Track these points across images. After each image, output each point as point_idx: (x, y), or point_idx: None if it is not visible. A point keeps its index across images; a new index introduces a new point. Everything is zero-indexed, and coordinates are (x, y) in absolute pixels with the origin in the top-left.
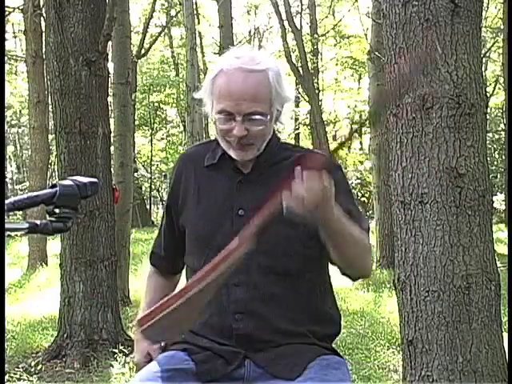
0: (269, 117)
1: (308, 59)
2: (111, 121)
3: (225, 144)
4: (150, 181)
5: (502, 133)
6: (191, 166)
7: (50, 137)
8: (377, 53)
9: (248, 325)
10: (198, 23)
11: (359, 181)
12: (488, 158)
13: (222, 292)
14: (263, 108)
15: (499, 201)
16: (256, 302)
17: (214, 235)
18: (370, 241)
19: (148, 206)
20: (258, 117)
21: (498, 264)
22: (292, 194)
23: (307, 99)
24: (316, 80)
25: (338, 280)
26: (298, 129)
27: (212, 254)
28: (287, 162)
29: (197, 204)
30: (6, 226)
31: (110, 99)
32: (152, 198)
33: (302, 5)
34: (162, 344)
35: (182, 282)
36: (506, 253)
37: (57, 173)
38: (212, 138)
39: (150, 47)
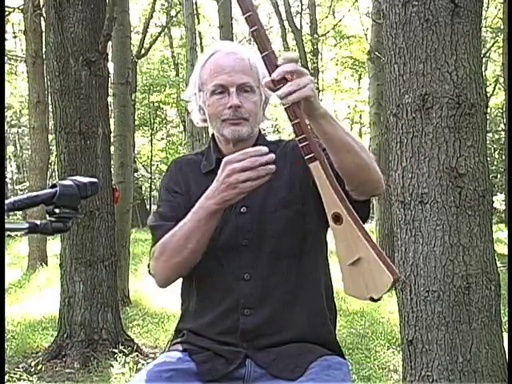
0: (258, 94)
1: (308, 59)
2: (111, 121)
3: (219, 125)
4: (150, 181)
5: (502, 133)
6: (187, 170)
7: (50, 137)
8: (377, 53)
9: (255, 320)
10: (198, 23)
11: None
12: (488, 158)
13: (230, 287)
14: (254, 82)
15: (499, 201)
16: (265, 295)
17: (219, 235)
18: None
19: (148, 206)
20: (250, 88)
21: (498, 264)
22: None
23: None
24: (316, 80)
25: (339, 280)
26: None
27: (220, 254)
28: (277, 155)
29: None
30: (6, 226)
31: (110, 99)
32: (152, 198)
33: (302, 5)
34: None
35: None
36: (506, 253)
37: (57, 173)
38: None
39: (150, 47)
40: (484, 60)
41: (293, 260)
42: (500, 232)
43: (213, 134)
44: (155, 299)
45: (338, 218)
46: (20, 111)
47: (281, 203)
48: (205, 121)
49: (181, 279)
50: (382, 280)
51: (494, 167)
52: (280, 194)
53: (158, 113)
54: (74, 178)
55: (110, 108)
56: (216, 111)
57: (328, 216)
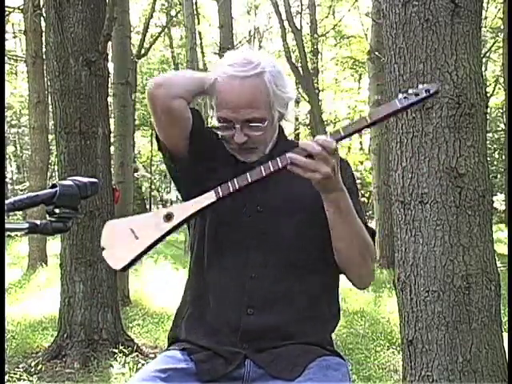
0: (267, 122)
1: (308, 59)
2: (111, 121)
3: (230, 148)
4: (149, 181)
5: (502, 133)
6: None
7: (50, 137)
8: (377, 53)
9: (257, 321)
10: (198, 23)
11: (359, 181)
12: (488, 158)
13: (236, 283)
14: (261, 113)
15: (499, 201)
16: (271, 297)
17: (233, 230)
18: (375, 252)
19: (148, 206)
20: (256, 124)
21: (498, 264)
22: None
23: (307, 99)
24: (316, 80)
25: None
26: (297, 129)
27: (233, 248)
28: None
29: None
30: (6, 226)
31: (110, 99)
32: (152, 198)
33: (302, 5)
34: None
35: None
36: (506, 253)
37: (57, 173)
38: None
39: (150, 47)
40: (484, 60)
41: (304, 266)
42: (500, 232)
43: None
44: (155, 299)
45: (170, 218)
46: (20, 111)
47: (303, 210)
48: None
49: (186, 272)
50: (120, 259)
51: (494, 167)
52: (304, 202)
53: None
54: (74, 178)
55: (109, 108)
56: (225, 137)
57: (161, 215)
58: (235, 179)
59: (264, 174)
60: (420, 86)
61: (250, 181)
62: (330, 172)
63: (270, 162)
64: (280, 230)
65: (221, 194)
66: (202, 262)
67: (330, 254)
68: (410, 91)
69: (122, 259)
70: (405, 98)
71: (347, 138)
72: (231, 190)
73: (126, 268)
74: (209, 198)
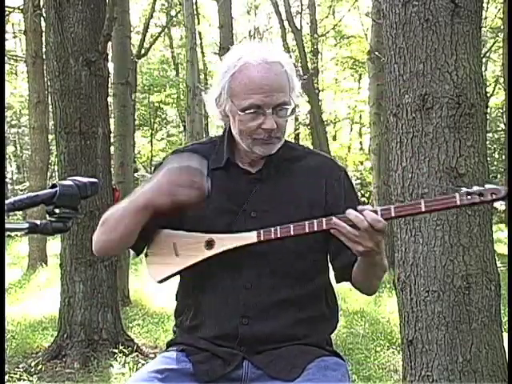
0: (291, 104)
1: (308, 59)
2: (111, 121)
3: (250, 142)
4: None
5: (502, 133)
6: None
7: (50, 137)
8: (377, 53)
9: (254, 329)
10: (198, 23)
11: (359, 181)
12: (488, 158)
13: (230, 293)
14: (288, 98)
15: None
16: (265, 307)
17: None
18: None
19: None
20: (285, 107)
21: (498, 264)
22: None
23: (307, 99)
24: (316, 80)
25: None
26: (297, 129)
27: (226, 258)
28: (304, 165)
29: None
30: (6, 226)
31: (110, 99)
32: None
33: (302, 5)
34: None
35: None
36: (506, 253)
37: (57, 173)
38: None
39: (150, 47)
40: (484, 60)
41: (300, 272)
42: (500, 232)
43: (229, 129)
44: (155, 299)
45: (211, 246)
46: (20, 111)
47: (299, 215)
48: (221, 118)
49: (179, 278)
50: (159, 271)
51: (494, 167)
52: (301, 206)
53: (158, 113)
54: (74, 178)
55: (109, 108)
56: (248, 129)
57: (203, 240)
58: (278, 227)
59: (307, 231)
60: (487, 186)
61: (292, 233)
62: (373, 247)
63: (315, 221)
64: (275, 242)
65: (262, 237)
66: (195, 274)
67: (327, 257)
68: (476, 188)
69: (160, 273)
70: (467, 195)
71: (397, 219)
72: (272, 236)
73: (162, 281)
74: (251, 237)
